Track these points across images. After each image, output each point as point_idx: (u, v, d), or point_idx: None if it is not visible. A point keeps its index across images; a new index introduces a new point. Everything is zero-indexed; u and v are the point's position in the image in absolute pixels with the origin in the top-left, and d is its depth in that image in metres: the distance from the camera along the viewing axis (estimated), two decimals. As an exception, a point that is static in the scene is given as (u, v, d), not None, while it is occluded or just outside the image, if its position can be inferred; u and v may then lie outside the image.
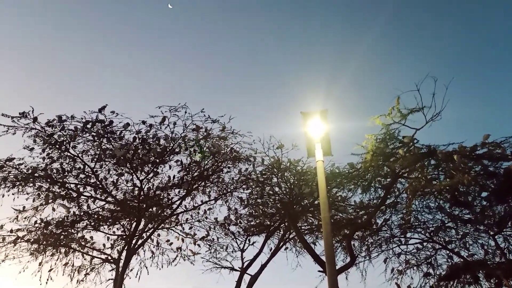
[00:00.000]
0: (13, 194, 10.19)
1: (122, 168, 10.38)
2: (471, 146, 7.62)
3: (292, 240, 12.31)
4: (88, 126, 9.37)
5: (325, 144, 6.86)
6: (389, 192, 9.20)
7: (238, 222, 12.01)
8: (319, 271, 10.13)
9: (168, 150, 10.11)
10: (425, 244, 10.87)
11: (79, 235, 11.41)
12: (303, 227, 11.85)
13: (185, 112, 9.58)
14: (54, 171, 9.97)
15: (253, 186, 11.17)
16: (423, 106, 7.24)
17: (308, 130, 6.91)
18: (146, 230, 11.54)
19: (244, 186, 11.32)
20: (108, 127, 9.51)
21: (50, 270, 11.32)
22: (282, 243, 11.95)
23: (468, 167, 7.86)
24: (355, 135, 8.21)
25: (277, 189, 10.79)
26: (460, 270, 10.26)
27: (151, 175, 10.59)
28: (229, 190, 11.52)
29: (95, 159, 9.99)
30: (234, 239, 12.32)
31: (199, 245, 12.32)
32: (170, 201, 11.45)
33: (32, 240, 10.80)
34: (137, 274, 11.79)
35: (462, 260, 10.35)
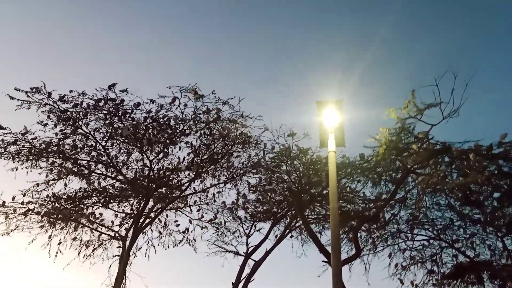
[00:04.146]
0: (26, 168, 10.36)
1: (133, 147, 10.45)
2: (487, 145, 7.49)
3: (298, 229, 12.33)
4: (100, 104, 9.42)
5: (338, 134, 6.78)
6: (399, 187, 9.12)
7: (245, 207, 12.06)
8: (323, 261, 10.16)
9: (178, 131, 10.12)
10: (431, 241, 10.79)
11: (89, 211, 11.58)
12: (310, 216, 11.85)
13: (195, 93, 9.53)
14: (67, 147, 10.07)
15: (262, 172, 11.16)
16: (441, 102, 7.11)
17: (322, 119, 6.83)
18: (154, 210, 11.66)
19: (253, 171, 11.33)
20: (119, 106, 9.54)
21: (59, 243, 11.51)
22: (288, 231, 11.98)
23: (482, 166, 7.74)
24: (369, 126, 8.11)
25: (286, 176, 10.78)
26: (465, 270, 10.20)
27: (161, 155, 10.65)
28: (238, 174, 11.54)
29: (106, 137, 10.05)
30: (241, 224, 12.39)
31: (206, 227, 12.43)
32: (179, 183, 11.52)
33: (42, 213, 10.98)
34: (145, 253, 11.98)
35: (467, 259, 10.28)
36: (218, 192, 11.90)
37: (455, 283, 10.77)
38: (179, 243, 12.57)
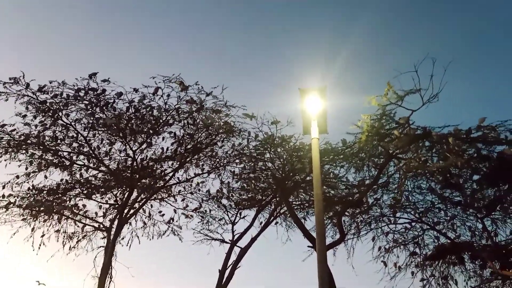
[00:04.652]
0: (5, 160, 10.14)
1: (116, 138, 10.31)
2: (466, 130, 7.63)
3: (282, 215, 12.44)
4: (81, 94, 9.23)
5: (321, 121, 6.80)
6: (382, 172, 9.25)
7: (230, 195, 12.09)
8: (308, 246, 10.32)
9: (161, 121, 10.02)
10: (413, 224, 11.02)
11: (72, 202, 11.44)
12: (294, 203, 11.95)
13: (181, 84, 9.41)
14: (47, 138, 9.88)
15: (246, 161, 11.18)
16: (420, 88, 7.19)
17: (305, 107, 6.84)
18: (138, 200, 11.59)
19: (237, 161, 11.33)
20: (101, 96, 9.37)
21: (42, 236, 11.38)
22: (272, 218, 12.08)
23: (462, 149, 7.89)
24: (351, 113, 8.16)
25: (269, 164, 10.81)
26: (446, 251, 10.46)
27: (144, 145, 10.54)
28: (222, 164, 11.53)
29: (88, 128, 9.89)
30: (226, 212, 12.43)
31: (191, 216, 12.43)
32: (163, 173, 11.45)
33: (24, 206, 10.81)
34: (128, 243, 11.93)
35: (449, 241, 10.54)
36: (202, 182, 11.88)
37: (437, 264, 11.06)
38: (164, 233, 12.56)
